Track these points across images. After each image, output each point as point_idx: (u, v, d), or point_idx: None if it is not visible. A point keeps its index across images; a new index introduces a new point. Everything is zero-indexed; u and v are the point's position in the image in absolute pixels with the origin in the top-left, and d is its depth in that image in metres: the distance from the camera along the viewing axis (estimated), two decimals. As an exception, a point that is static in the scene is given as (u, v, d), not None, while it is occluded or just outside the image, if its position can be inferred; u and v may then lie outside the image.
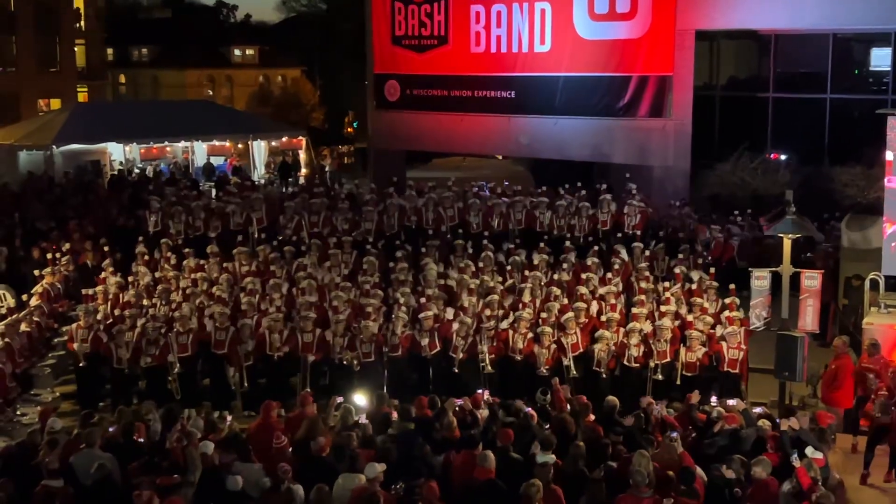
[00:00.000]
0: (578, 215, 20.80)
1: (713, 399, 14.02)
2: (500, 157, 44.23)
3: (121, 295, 18.05)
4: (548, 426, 12.04)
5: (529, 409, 12.63)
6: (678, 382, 15.58)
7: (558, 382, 14.09)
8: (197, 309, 17.07)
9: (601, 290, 17.51)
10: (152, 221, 21.16)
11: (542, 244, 19.56)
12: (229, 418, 13.27)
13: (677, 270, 18.25)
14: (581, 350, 15.99)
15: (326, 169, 41.34)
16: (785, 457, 11.13)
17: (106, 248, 19.98)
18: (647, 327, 16.16)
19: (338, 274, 18.49)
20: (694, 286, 17.78)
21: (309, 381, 16.01)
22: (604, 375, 15.80)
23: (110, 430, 12.13)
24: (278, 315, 16.48)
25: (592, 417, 12.47)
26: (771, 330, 15.74)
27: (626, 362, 15.81)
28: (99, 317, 17.08)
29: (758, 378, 16.15)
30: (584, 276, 17.92)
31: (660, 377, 15.68)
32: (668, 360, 15.74)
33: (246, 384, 16.12)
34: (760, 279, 15.72)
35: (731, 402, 13.51)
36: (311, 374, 16.13)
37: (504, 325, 16.40)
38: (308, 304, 16.73)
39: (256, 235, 20.97)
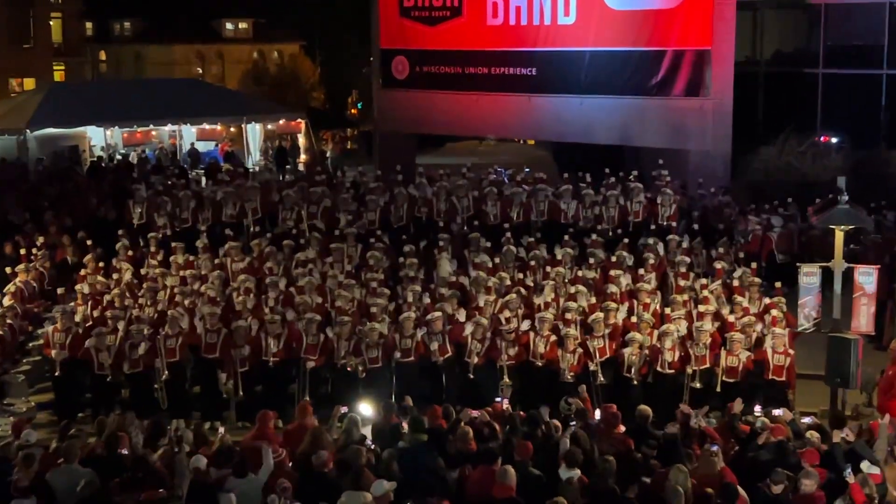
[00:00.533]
0: (606, 205, 20.73)
1: (757, 408, 14.02)
2: (520, 141, 44.22)
3: (102, 294, 18.11)
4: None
5: (554, 419, 12.63)
6: (718, 390, 15.54)
7: (585, 390, 14.10)
8: (186, 310, 17.11)
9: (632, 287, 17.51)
10: (136, 213, 21.23)
11: (566, 237, 19.55)
12: (221, 430, 13.34)
13: (718, 266, 18.21)
14: (609, 354, 15.99)
15: (328, 154, 41.52)
16: (837, 472, 11.11)
17: (87, 243, 20.04)
18: (684, 329, 16.13)
19: (341, 270, 18.52)
20: (735, 283, 17.74)
21: (308, 388, 16.06)
22: (635, 382, 15.78)
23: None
24: (275, 316, 16.50)
25: (622, 429, 12.46)
26: (821, 332, 15.69)
27: (659, 368, 15.77)
28: (78, 318, 17.16)
29: (807, 385, 16.12)
30: (612, 272, 17.90)
31: (698, 384, 15.67)
32: (707, 365, 15.72)
33: (240, 392, 16.16)
34: (810, 275, 15.64)
35: (776, 411, 13.52)
36: (312, 382, 16.16)
37: (525, 326, 16.39)
38: (309, 304, 16.76)
39: (251, 228, 21.02)
